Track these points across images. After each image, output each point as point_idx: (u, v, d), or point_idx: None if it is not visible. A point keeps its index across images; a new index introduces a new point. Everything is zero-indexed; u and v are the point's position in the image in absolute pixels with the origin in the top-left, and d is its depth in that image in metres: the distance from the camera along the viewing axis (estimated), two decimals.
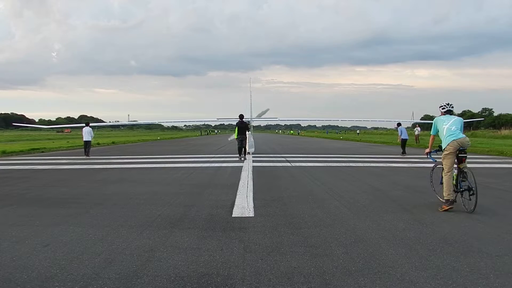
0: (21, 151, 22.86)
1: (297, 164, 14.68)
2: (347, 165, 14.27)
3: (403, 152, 19.91)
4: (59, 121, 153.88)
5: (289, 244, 4.46)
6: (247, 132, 17.60)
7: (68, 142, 35.18)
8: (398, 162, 15.36)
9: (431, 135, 7.05)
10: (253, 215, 5.95)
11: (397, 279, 3.45)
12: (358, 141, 42.83)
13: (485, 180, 9.94)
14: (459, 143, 6.37)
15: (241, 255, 4.09)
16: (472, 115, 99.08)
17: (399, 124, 22.28)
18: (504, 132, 50.67)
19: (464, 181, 6.41)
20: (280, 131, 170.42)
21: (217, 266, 3.78)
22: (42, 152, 23.42)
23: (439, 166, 7.04)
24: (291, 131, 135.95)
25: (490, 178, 10.46)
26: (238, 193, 7.99)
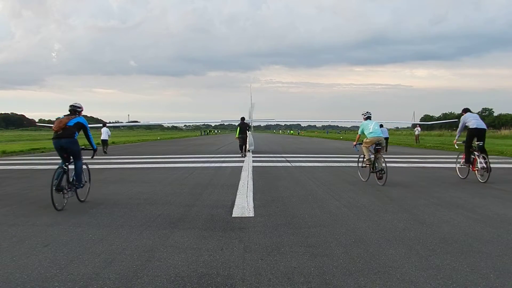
0: (21, 151, 22.85)
1: (297, 164, 14.68)
2: (347, 165, 14.26)
3: (385, 149, 21.45)
4: None
5: (289, 244, 4.46)
6: (247, 132, 20.01)
7: None
8: (398, 162, 15.36)
9: (358, 134, 10.31)
10: (253, 215, 5.95)
11: (397, 279, 3.45)
12: None
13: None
14: (378, 140, 9.42)
15: (241, 255, 4.09)
16: None
17: (381, 125, 24.28)
18: (504, 132, 50.64)
19: (378, 164, 9.26)
20: (280, 131, 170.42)
21: (217, 266, 3.78)
22: (42, 152, 23.40)
23: (361, 156, 10.04)
24: (291, 131, 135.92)
25: (490, 178, 10.44)
26: (238, 193, 7.99)
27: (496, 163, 15.05)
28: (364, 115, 9.98)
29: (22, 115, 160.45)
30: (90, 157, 7.55)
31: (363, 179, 9.74)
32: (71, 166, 6.80)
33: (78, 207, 6.65)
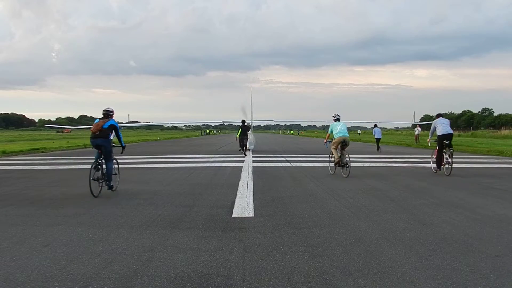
0: (21, 151, 22.84)
1: (297, 164, 14.68)
2: None
3: (377, 148, 23.18)
4: (59, 121, 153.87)
5: (289, 244, 4.46)
6: (248, 132, 21.67)
7: (68, 142, 35.16)
8: (398, 162, 15.36)
9: (328, 133, 11.79)
10: (253, 215, 5.94)
11: (397, 279, 3.45)
12: (358, 141, 42.80)
13: (485, 180, 9.94)
14: (343, 139, 10.94)
15: (241, 255, 4.09)
16: (472, 115, 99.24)
17: (375, 125, 25.93)
18: (504, 132, 50.62)
19: (343, 160, 10.76)
20: (280, 131, 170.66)
21: (217, 266, 3.78)
22: (42, 152, 23.41)
23: (331, 154, 11.45)
24: (291, 131, 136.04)
25: (490, 178, 10.46)
26: (238, 193, 7.98)
27: (496, 163, 15.05)
28: (334, 117, 11.56)
29: (22, 115, 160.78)
30: (120, 153, 8.80)
31: (331, 172, 11.20)
32: (103, 166, 8.07)
33: (78, 207, 6.65)
